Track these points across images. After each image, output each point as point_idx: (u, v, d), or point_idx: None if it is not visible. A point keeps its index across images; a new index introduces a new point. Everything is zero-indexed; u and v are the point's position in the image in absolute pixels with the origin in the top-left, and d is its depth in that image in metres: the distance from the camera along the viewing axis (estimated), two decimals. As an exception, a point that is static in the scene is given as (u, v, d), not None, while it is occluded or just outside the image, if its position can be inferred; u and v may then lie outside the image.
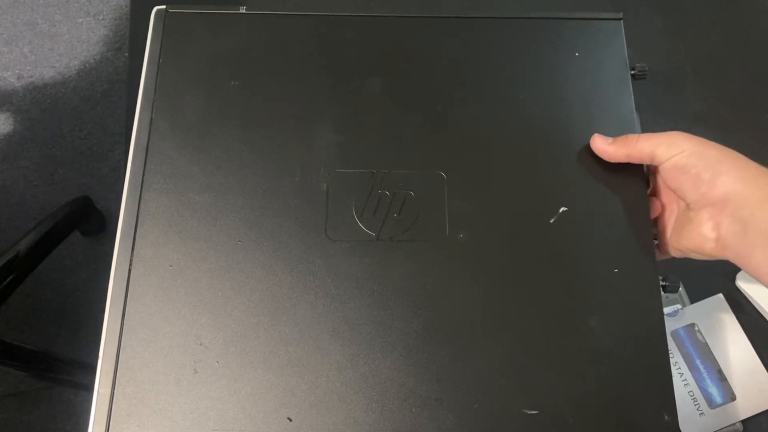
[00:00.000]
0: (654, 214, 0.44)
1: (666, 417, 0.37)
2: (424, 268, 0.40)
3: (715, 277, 0.58)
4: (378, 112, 0.44)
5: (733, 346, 0.56)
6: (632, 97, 0.44)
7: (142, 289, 0.39)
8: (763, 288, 0.56)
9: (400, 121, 0.43)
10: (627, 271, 0.40)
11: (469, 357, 0.38)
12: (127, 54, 1.28)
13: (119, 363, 0.38)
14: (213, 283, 0.39)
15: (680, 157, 0.39)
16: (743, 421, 0.53)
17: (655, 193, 0.44)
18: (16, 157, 1.23)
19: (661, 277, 0.41)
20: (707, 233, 0.38)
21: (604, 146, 0.41)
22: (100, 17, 1.33)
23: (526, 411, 0.37)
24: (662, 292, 0.40)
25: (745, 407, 0.54)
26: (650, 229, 0.41)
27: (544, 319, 0.39)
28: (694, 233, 0.39)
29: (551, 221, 0.41)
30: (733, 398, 0.54)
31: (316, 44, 0.45)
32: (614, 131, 0.43)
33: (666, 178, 0.40)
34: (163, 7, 0.47)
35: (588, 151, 0.43)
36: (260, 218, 0.41)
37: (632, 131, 0.43)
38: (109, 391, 0.38)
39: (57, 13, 1.33)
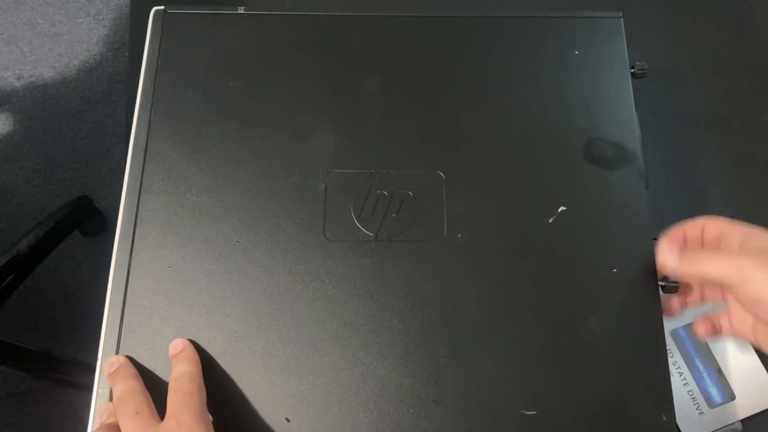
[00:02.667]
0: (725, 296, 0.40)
1: (664, 417, 0.37)
2: (422, 268, 0.40)
3: (714, 277, 0.58)
4: (376, 112, 0.44)
5: (733, 345, 0.56)
6: (632, 95, 0.44)
7: (141, 289, 0.39)
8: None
9: (399, 121, 0.43)
10: (626, 271, 0.40)
11: (467, 358, 0.38)
12: (126, 54, 1.27)
13: (118, 363, 0.38)
14: (211, 284, 0.39)
15: (754, 290, 0.34)
16: (742, 421, 0.53)
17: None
18: (16, 157, 1.23)
19: (660, 277, 0.41)
20: None
21: (670, 262, 0.38)
22: (100, 17, 1.33)
23: (524, 412, 0.37)
24: (661, 293, 0.40)
25: (745, 407, 0.54)
26: (649, 229, 0.41)
27: (542, 319, 0.39)
28: None
29: (550, 221, 0.41)
30: (733, 398, 0.54)
31: (315, 44, 0.45)
32: (613, 130, 0.43)
33: (744, 307, 0.37)
34: (162, 7, 0.47)
35: (587, 150, 0.43)
36: (258, 219, 0.41)
37: (631, 130, 0.43)
38: (108, 390, 0.38)
39: (57, 13, 1.33)
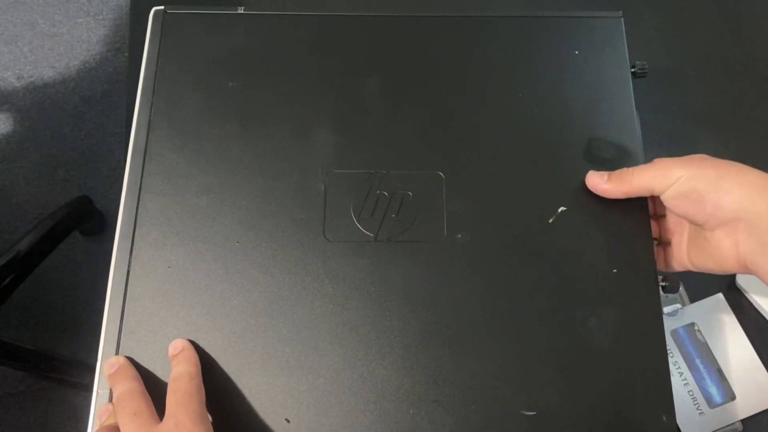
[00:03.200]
0: (664, 234, 0.43)
1: (664, 418, 0.37)
2: (422, 269, 0.40)
3: (715, 277, 0.58)
4: (376, 112, 0.44)
5: (733, 345, 0.56)
6: (632, 95, 0.44)
7: (140, 289, 0.39)
8: (763, 288, 0.56)
9: (399, 121, 0.43)
10: (626, 271, 0.40)
11: (466, 358, 0.38)
12: (126, 54, 1.27)
13: (118, 364, 0.38)
14: (211, 285, 0.39)
15: (678, 185, 0.37)
16: (743, 421, 0.53)
17: (661, 215, 0.43)
18: (16, 157, 1.23)
19: (660, 277, 0.41)
20: (726, 252, 0.37)
21: (600, 184, 0.40)
22: (100, 17, 1.33)
23: (523, 412, 0.37)
24: (661, 292, 0.40)
25: (745, 407, 0.54)
26: (649, 229, 0.41)
27: (543, 319, 0.39)
28: (713, 253, 0.38)
29: (550, 221, 0.41)
30: (733, 398, 0.54)
31: (314, 44, 0.45)
32: (614, 130, 0.43)
33: (670, 207, 0.39)
34: (162, 7, 0.46)
35: (587, 150, 0.43)
36: (258, 219, 0.41)
37: (632, 130, 0.43)
38: (108, 391, 0.38)
39: (57, 13, 1.33)
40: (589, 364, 0.38)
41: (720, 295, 0.57)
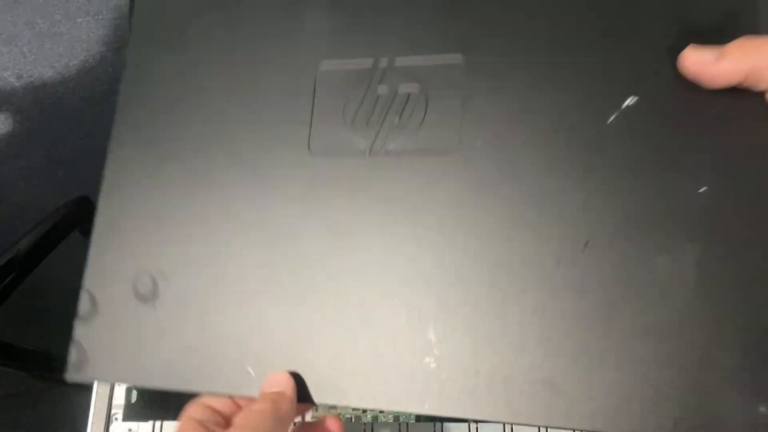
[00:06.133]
0: None
1: (762, 409, 0.25)
2: (428, 188, 0.30)
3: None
4: None
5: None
6: None
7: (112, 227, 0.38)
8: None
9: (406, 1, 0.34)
10: (722, 189, 0.27)
11: (475, 305, 0.29)
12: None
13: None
14: (183, 216, 0.34)
15: None
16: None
17: None
18: (16, 157, 1.23)
19: None
20: None
21: (707, 57, 0.27)
22: (100, 17, 1.33)
23: (541, 385, 0.28)
24: None
25: (746, 406, 0.53)
26: (765, 129, 0.27)
27: (588, 258, 0.28)
28: None
29: (609, 121, 0.29)
30: (734, 397, 0.53)
31: None
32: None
33: None
34: None
35: (673, 16, 0.30)
36: (240, 134, 0.34)
37: None
38: (108, 390, 0.37)
39: (57, 13, 1.33)
40: (652, 325, 0.26)
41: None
